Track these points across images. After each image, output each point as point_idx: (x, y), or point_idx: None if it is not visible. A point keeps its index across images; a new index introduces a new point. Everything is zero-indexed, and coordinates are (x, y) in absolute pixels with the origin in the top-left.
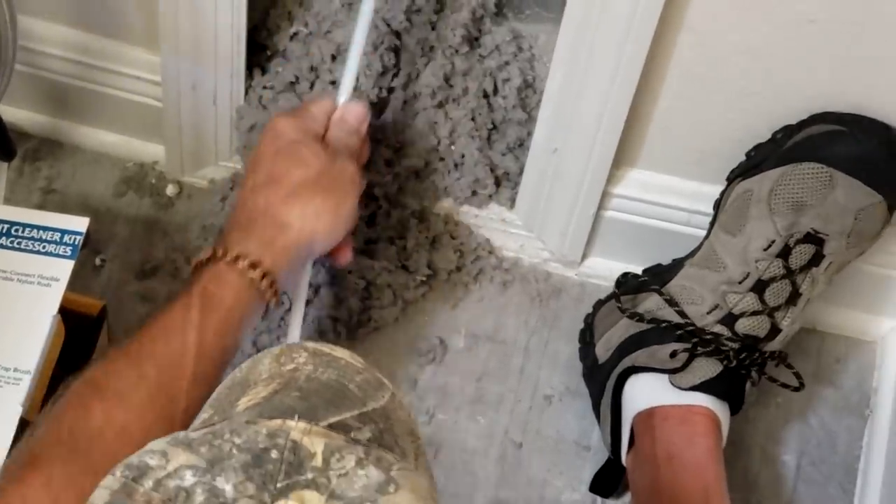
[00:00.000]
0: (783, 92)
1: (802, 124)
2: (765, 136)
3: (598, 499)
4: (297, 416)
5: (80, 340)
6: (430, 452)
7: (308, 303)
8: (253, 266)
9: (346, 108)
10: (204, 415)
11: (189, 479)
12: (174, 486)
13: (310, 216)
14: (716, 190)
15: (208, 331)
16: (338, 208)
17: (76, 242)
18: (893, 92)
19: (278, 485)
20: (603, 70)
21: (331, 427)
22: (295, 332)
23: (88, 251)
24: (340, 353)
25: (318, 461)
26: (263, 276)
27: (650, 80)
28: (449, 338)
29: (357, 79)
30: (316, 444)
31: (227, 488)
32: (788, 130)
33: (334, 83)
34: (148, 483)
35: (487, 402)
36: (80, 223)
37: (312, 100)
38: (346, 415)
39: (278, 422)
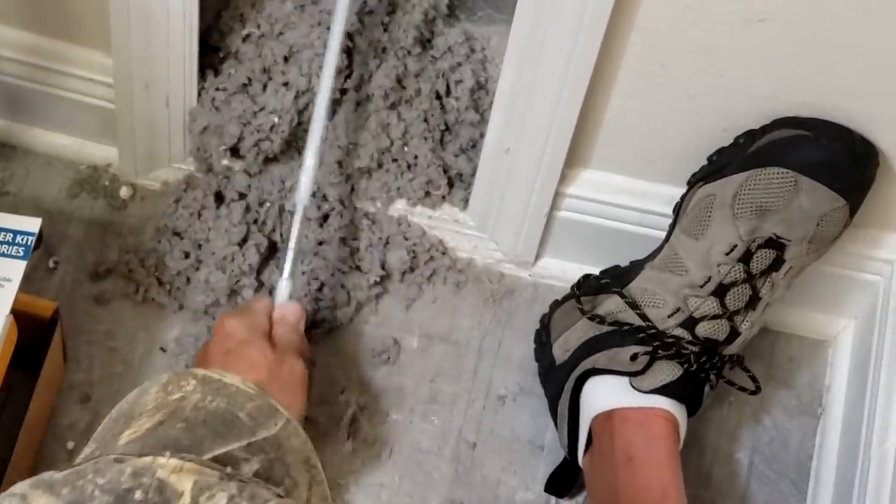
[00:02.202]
0: (735, 91)
1: (766, 129)
2: (718, 135)
3: (553, 498)
4: (167, 453)
5: (33, 342)
6: (383, 452)
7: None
8: None
9: (284, 307)
10: (87, 450)
11: None
12: None
13: None
14: (669, 190)
15: None
16: (289, 407)
17: (28, 243)
18: (848, 92)
19: None
20: (554, 70)
21: (216, 459)
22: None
23: (42, 253)
24: (231, 379)
25: (186, 500)
26: None
27: (601, 79)
28: (403, 338)
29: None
30: (184, 482)
31: None
32: (751, 135)
33: (287, 84)
34: None
35: (441, 402)
36: (33, 224)
37: (253, 299)
38: (233, 445)
39: (147, 459)
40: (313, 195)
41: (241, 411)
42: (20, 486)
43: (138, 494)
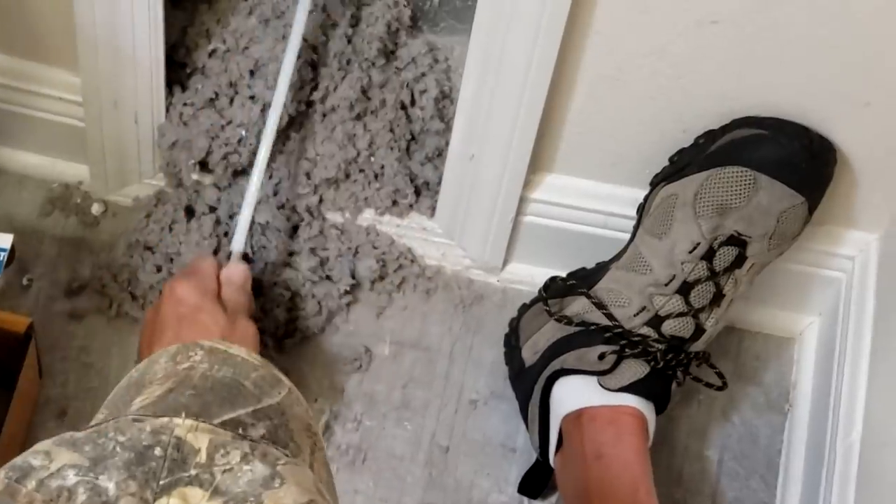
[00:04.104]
0: (692, 93)
1: (725, 129)
2: (678, 137)
3: (526, 500)
4: (183, 414)
5: (8, 359)
6: (357, 459)
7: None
8: None
9: (231, 268)
10: (99, 415)
11: (72, 478)
12: (56, 486)
13: None
14: (632, 192)
15: None
16: None
17: (1, 259)
18: (804, 91)
19: (161, 482)
20: (514, 76)
21: (223, 424)
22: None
23: (16, 271)
24: (236, 350)
25: (203, 457)
26: None
27: (561, 84)
28: (374, 346)
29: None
30: (200, 441)
31: (110, 486)
32: (711, 135)
33: (253, 98)
34: (31, 483)
35: (413, 407)
36: (5, 240)
37: (199, 258)
38: (240, 411)
39: (164, 420)
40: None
41: (247, 380)
42: (43, 444)
43: (158, 451)
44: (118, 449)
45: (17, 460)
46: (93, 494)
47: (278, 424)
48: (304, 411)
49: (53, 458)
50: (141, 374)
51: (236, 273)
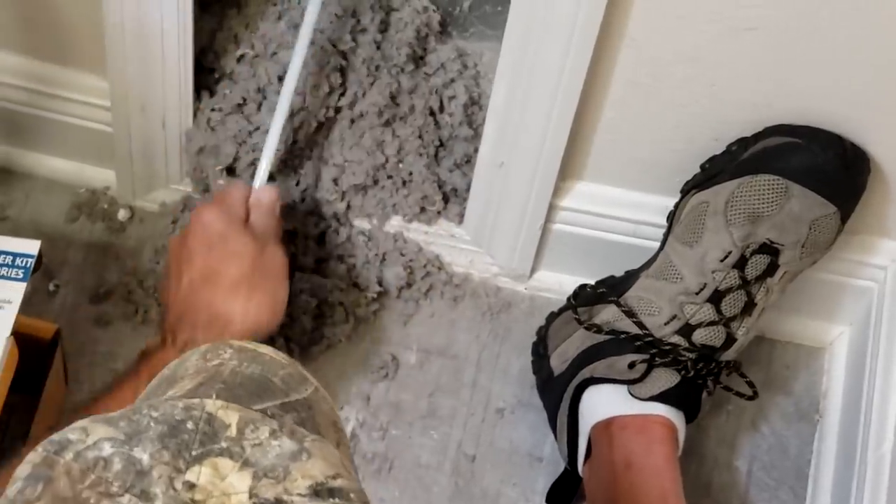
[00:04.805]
0: (726, 101)
1: (757, 136)
2: (710, 145)
3: None
4: (214, 395)
5: (34, 365)
6: (383, 468)
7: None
8: None
9: (260, 192)
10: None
11: (108, 449)
12: (93, 457)
13: (251, 309)
14: (662, 200)
15: None
16: (275, 296)
17: (28, 265)
18: (839, 99)
19: (193, 453)
20: (546, 83)
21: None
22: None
23: (42, 277)
24: (264, 349)
25: (233, 432)
26: None
27: (593, 91)
28: (401, 354)
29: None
30: (231, 417)
31: (144, 457)
32: (744, 142)
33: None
34: (68, 455)
35: (440, 416)
36: (32, 246)
37: (230, 185)
38: (268, 403)
39: (196, 399)
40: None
41: (275, 377)
42: (80, 422)
43: (190, 424)
44: (152, 423)
45: (55, 436)
46: (128, 464)
47: (305, 418)
48: (331, 409)
49: (90, 433)
50: (172, 371)
51: (265, 196)
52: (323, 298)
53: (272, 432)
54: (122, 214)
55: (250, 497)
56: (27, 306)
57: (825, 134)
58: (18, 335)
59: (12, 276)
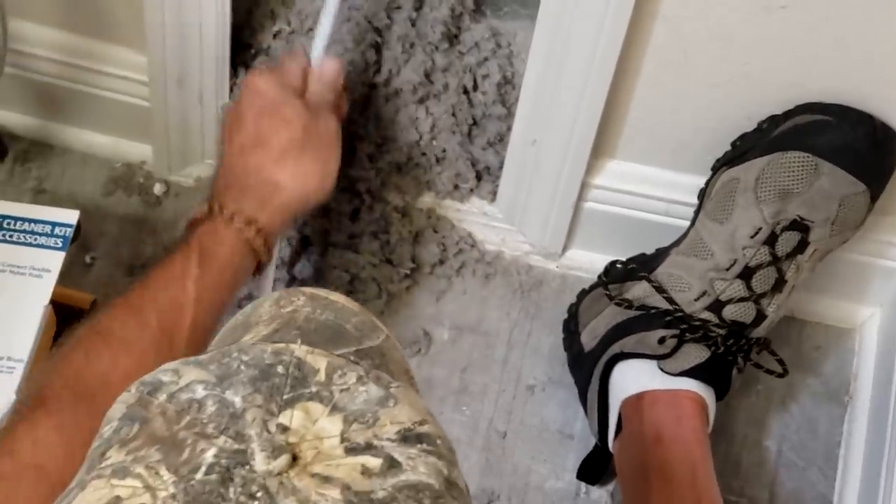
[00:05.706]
0: (758, 79)
1: (788, 114)
2: (742, 124)
3: (583, 486)
4: (299, 341)
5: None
6: None
7: None
8: (248, 224)
9: (322, 63)
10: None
11: (200, 392)
12: (186, 399)
13: (300, 176)
14: (694, 180)
15: (205, 283)
16: (325, 165)
17: (67, 234)
18: (870, 78)
19: (284, 396)
20: (579, 62)
21: None
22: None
23: (78, 250)
24: (336, 297)
25: (322, 377)
26: (258, 233)
27: (626, 70)
28: (433, 330)
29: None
30: (319, 362)
31: (237, 400)
32: (774, 120)
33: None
34: (162, 396)
35: (472, 392)
36: (71, 216)
37: (288, 56)
38: (343, 350)
39: (283, 344)
40: None
41: (348, 324)
42: (170, 364)
43: (280, 368)
44: (242, 367)
45: (147, 377)
46: (221, 406)
47: (379, 364)
48: (402, 357)
49: (182, 375)
50: (246, 316)
51: (329, 68)
52: (356, 274)
53: (359, 378)
54: (158, 189)
55: (341, 441)
56: (65, 279)
57: (855, 112)
58: (56, 304)
59: (51, 244)
